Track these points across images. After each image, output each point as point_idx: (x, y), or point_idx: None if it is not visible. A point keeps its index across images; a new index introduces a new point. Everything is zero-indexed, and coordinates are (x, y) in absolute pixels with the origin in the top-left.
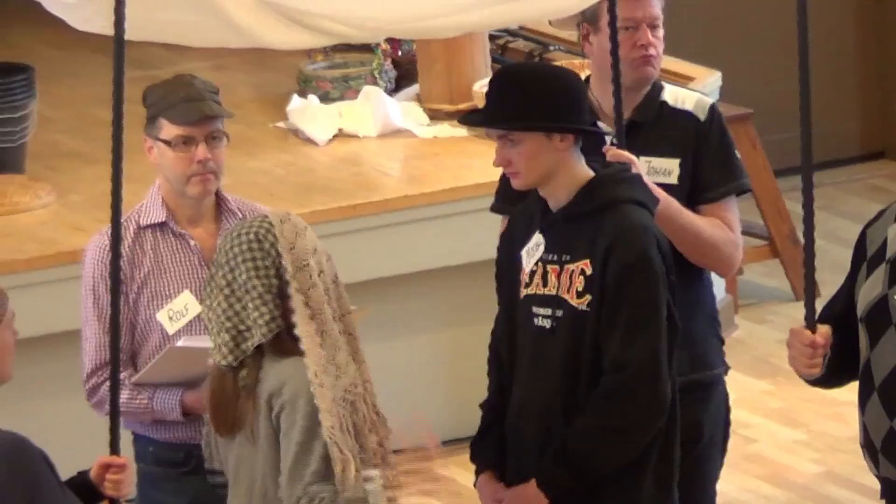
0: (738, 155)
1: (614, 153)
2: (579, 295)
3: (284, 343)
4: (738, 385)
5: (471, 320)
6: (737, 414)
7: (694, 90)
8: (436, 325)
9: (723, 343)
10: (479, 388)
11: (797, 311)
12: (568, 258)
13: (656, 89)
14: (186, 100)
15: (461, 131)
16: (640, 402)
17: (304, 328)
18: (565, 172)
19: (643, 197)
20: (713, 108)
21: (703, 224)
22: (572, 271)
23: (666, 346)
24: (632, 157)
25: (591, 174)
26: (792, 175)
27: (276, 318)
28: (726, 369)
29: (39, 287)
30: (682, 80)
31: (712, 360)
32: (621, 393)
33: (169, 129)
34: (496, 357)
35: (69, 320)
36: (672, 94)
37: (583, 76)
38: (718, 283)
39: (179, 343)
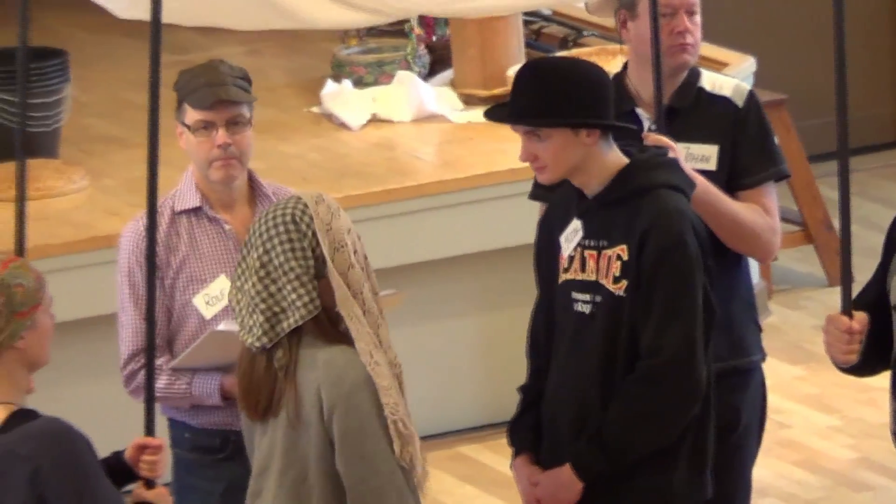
0: (776, 141)
1: (654, 139)
2: (616, 280)
3: (323, 325)
4: (772, 371)
5: (505, 305)
6: (770, 399)
7: (731, 76)
8: (470, 310)
9: (760, 330)
10: (514, 373)
11: (831, 297)
12: (605, 243)
13: (694, 75)
14: (207, 84)
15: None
16: (674, 388)
17: (348, 309)
18: (594, 163)
19: (679, 181)
20: (751, 94)
21: (742, 210)
22: (609, 257)
23: (702, 332)
24: (671, 142)
25: (625, 160)
26: (826, 161)
27: (315, 299)
28: (763, 356)
29: (74, 271)
30: (716, 66)
31: (750, 346)
32: (656, 378)
33: (191, 114)
34: (535, 341)
35: (104, 304)
36: (710, 81)
37: (617, 62)
38: (752, 269)
39: (221, 327)
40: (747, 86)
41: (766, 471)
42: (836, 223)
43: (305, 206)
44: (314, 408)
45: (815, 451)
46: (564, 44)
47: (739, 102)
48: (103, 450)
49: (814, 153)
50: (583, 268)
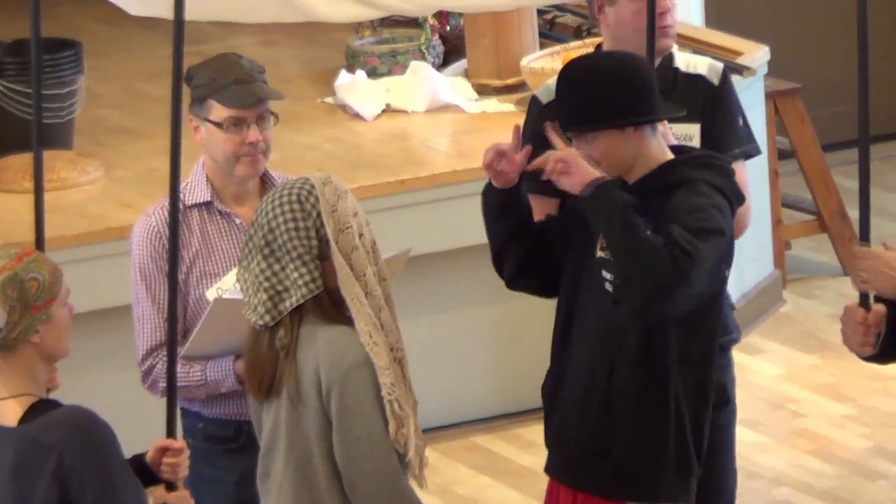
0: (746, 119)
1: None
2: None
3: (325, 305)
4: (786, 360)
5: (520, 295)
6: (785, 389)
7: (704, 55)
8: (484, 301)
9: (733, 308)
10: (528, 364)
11: (845, 286)
12: None
13: (668, 57)
14: (237, 82)
15: (509, 106)
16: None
17: (350, 290)
18: (644, 156)
19: (726, 186)
20: (725, 71)
21: None
22: None
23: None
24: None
25: (671, 155)
26: (840, 149)
27: (317, 278)
28: (739, 334)
29: (89, 262)
30: (730, 55)
31: (728, 324)
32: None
33: (219, 111)
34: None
35: (119, 296)
36: (684, 61)
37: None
38: (766, 258)
39: (226, 295)
40: (721, 64)
41: (780, 460)
42: (851, 212)
43: (312, 186)
44: (313, 387)
45: (830, 441)
46: (578, 33)
47: (715, 80)
48: (121, 441)
49: (828, 142)
50: None
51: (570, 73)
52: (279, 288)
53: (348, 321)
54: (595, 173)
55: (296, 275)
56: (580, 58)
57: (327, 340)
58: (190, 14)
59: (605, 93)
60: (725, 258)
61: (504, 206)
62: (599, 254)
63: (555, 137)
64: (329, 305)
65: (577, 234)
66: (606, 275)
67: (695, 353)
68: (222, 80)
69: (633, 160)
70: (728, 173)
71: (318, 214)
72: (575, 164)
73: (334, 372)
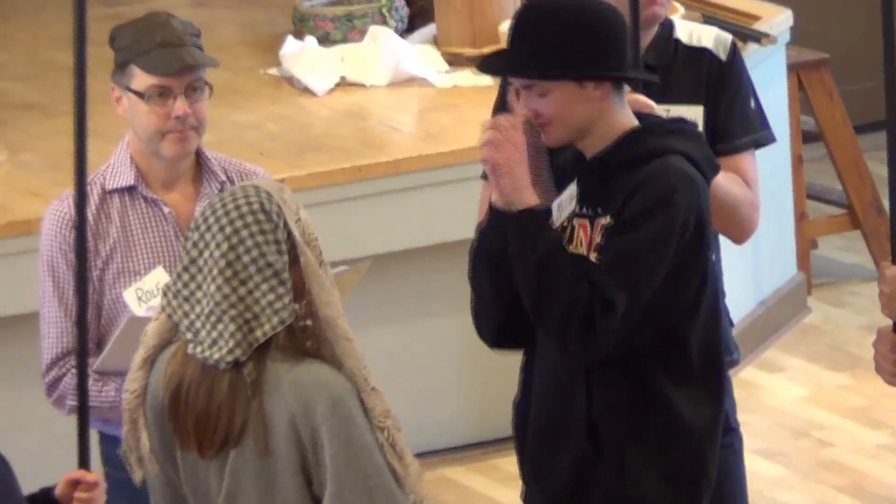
0: (759, 101)
1: (630, 98)
2: (601, 250)
3: (295, 335)
4: (812, 379)
5: None
6: (810, 413)
7: (713, 22)
8: (456, 309)
9: (732, 325)
10: (506, 385)
11: None
12: (600, 210)
13: (667, 27)
14: (163, 45)
15: (485, 79)
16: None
17: (329, 311)
18: (603, 124)
19: (699, 155)
20: (734, 45)
21: (720, 179)
22: (604, 226)
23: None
24: (650, 102)
25: (636, 123)
26: (875, 132)
27: (290, 303)
28: (740, 354)
29: None
30: (747, 20)
31: (728, 344)
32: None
33: (142, 79)
34: None
35: (24, 302)
36: (686, 31)
37: None
38: (789, 260)
39: (140, 312)
40: (729, 35)
41: (806, 496)
42: (888, 204)
43: (269, 193)
44: (289, 440)
45: (862, 474)
46: None
47: (723, 55)
48: (21, 471)
49: (861, 122)
50: (570, 240)
51: (526, 14)
52: (248, 315)
53: (312, 353)
54: (526, 192)
55: (271, 297)
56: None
57: (296, 383)
58: None
59: (566, 38)
60: (700, 247)
61: (497, 254)
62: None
63: (515, 102)
64: (300, 335)
65: None
66: None
67: (693, 362)
68: (146, 43)
69: (590, 125)
70: (699, 138)
71: (285, 224)
72: (509, 152)
73: (315, 419)
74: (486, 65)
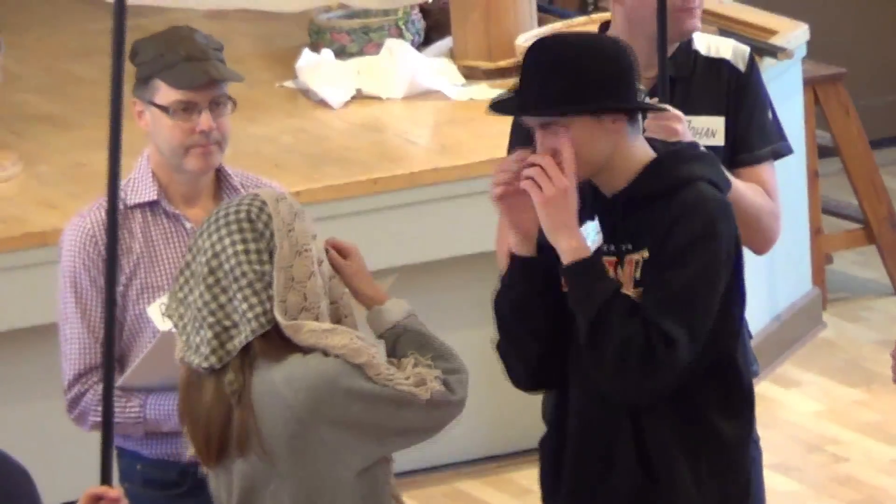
0: (775, 112)
1: (659, 116)
2: (637, 284)
3: (275, 344)
4: (827, 394)
5: None
6: (825, 428)
7: (730, 35)
8: (471, 322)
9: (750, 336)
10: (522, 398)
11: None
12: (630, 247)
13: (686, 39)
14: (188, 59)
15: (501, 92)
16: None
17: (309, 323)
18: (620, 157)
19: (717, 177)
20: (752, 56)
21: (744, 189)
22: (636, 262)
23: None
24: (679, 113)
25: (653, 154)
26: (892, 147)
27: (268, 311)
28: (759, 367)
29: (4, 274)
30: (763, 34)
31: (747, 356)
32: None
33: (166, 93)
34: None
35: (40, 313)
36: (704, 43)
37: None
38: (804, 275)
39: (165, 328)
40: (747, 47)
41: None
42: None
43: (263, 203)
44: (286, 441)
45: (878, 489)
46: (584, 8)
47: (742, 66)
48: (42, 486)
49: (877, 137)
50: None
51: (537, 52)
52: (226, 323)
53: (299, 349)
54: (575, 229)
55: (245, 306)
56: (549, 36)
57: (286, 380)
58: None
59: (580, 73)
60: (739, 268)
61: (527, 299)
62: None
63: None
64: (280, 342)
65: None
66: None
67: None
68: (171, 57)
69: (606, 160)
70: (714, 159)
71: (272, 235)
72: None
73: (312, 411)
74: (499, 106)
